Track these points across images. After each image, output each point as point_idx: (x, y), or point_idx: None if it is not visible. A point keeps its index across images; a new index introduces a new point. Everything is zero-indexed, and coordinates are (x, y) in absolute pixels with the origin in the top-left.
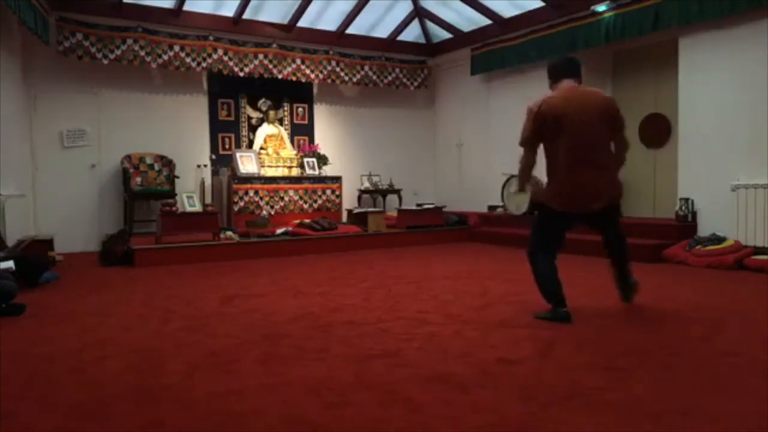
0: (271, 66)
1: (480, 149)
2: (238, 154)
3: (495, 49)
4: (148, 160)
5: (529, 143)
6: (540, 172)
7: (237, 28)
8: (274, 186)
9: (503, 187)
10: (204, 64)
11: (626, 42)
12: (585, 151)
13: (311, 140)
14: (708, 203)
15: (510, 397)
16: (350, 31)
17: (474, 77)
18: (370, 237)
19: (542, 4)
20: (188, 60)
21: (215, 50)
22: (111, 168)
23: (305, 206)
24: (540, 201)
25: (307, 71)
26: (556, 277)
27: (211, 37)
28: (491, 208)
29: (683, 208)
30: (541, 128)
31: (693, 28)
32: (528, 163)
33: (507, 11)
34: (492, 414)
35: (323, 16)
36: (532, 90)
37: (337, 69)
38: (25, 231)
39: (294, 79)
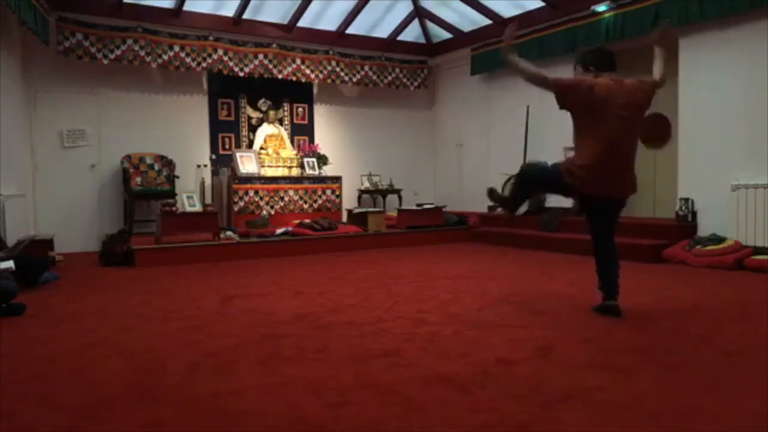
0: (271, 66)
1: (480, 149)
2: (238, 154)
3: (495, 49)
4: (148, 160)
5: (554, 86)
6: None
7: (237, 28)
8: (274, 186)
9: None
10: (204, 64)
11: (626, 42)
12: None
13: (311, 140)
14: (708, 203)
15: (510, 397)
16: (350, 31)
17: (474, 77)
18: (370, 237)
19: (542, 4)
20: (188, 60)
21: (215, 50)
22: (111, 168)
23: (305, 206)
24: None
25: (307, 71)
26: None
27: (211, 37)
28: (491, 208)
29: (683, 208)
30: (579, 98)
31: (693, 28)
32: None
33: (507, 11)
34: (492, 414)
35: (323, 16)
36: (532, 90)
37: (337, 69)
38: (25, 231)
39: (294, 79)
